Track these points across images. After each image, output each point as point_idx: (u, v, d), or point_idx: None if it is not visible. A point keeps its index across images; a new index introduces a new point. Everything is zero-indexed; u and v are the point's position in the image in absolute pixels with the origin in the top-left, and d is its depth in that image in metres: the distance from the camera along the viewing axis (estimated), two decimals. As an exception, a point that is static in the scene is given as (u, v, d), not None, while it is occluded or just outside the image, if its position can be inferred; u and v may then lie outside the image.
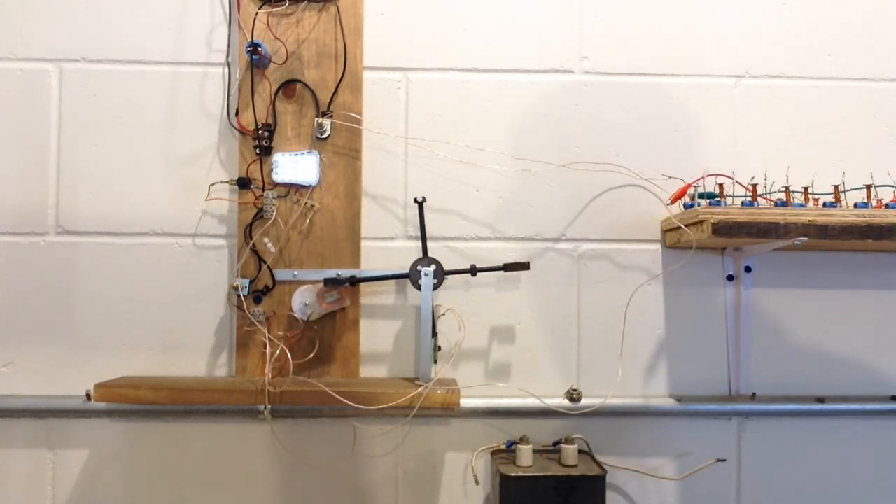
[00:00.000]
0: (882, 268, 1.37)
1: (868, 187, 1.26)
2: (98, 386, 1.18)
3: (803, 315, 1.36)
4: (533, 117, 1.36)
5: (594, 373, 1.34)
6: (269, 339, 1.25)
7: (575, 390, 1.31)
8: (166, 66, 1.34)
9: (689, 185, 1.28)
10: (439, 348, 1.29)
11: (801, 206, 1.22)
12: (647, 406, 1.33)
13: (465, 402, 1.27)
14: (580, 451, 1.27)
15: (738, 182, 1.30)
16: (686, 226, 1.23)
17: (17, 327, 1.31)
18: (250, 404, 1.17)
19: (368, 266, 1.32)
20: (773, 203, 1.24)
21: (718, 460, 1.33)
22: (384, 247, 1.34)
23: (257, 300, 1.29)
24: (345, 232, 1.31)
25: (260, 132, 1.28)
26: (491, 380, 1.33)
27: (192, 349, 1.32)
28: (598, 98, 1.36)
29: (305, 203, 1.30)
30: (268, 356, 1.24)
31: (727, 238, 1.17)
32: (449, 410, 1.29)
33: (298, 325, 1.29)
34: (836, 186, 1.25)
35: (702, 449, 1.34)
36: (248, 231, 1.29)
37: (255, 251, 1.29)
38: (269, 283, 1.29)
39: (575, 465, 1.22)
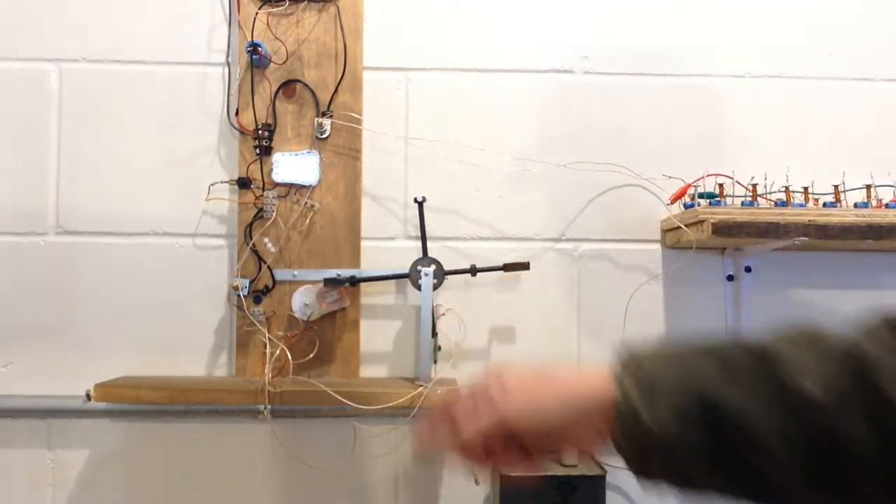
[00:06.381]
0: (882, 268, 1.37)
1: (868, 187, 1.25)
2: (98, 386, 1.17)
3: (803, 315, 1.36)
4: (533, 117, 1.36)
5: (594, 373, 1.34)
6: (269, 339, 1.25)
7: (575, 390, 1.31)
8: (166, 66, 1.34)
9: (689, 185, 1.28)
10: (439, 348, 1.29)
11: (801, 206, 1.22)
12: (647, 406, 1.32)
13: (465, 402, 1.27)
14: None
15: (738, 182, 1.29)
16: (686, 226, 1.23)
17: (17, 327, 1.31)
18: (250, 404, 1.17)
19: (368, 266, 1.31)
20: (773, 203, 1.24)
21: (718, 460, 1.33)
22: (384, 247, 1.34)
23: (257, 300, 1.29)
24: (345, 232, 1.30)
25: (260, 132, 1.28)
26: (491, 380, 1.33)
27: (192, 349, 1.32)
28: (598, 98, 1.36)
29: (305, 203, 1.30)
30: (268, 356, 1.24)
31: (727, 238, 1.17)
32: (449, 410, 1.29)
33: (298, 325, 1.28)
34: (836, 186, 1.25)
35: (702, 449, 1.34)
36: (248, 231, 1.29)
37: (255, 251, 1.29)
38: (269, 283, 1.29)
39: (575, 465, 1.22)
